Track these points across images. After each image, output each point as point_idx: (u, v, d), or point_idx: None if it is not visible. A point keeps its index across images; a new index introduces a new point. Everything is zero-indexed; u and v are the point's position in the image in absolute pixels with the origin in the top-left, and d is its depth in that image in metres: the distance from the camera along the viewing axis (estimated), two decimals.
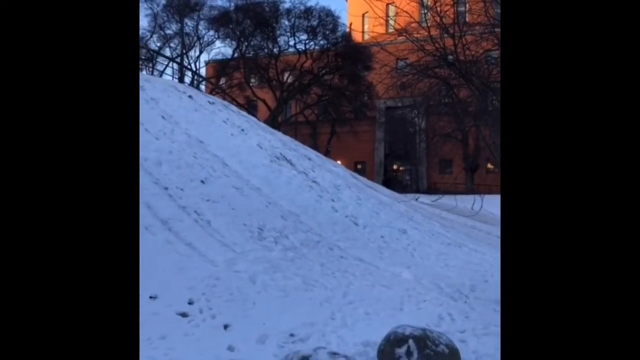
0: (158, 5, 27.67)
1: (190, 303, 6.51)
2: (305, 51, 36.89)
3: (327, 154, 30.03)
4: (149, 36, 28.25)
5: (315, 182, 13.72)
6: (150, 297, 6.44)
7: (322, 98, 38.70)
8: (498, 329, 5.48)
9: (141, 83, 15.67)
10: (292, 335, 6.02)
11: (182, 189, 10.23)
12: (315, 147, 27.55)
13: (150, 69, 26.80)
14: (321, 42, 37.20)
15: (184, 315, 6.24)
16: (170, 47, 28.99)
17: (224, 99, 27.39)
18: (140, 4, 27.17)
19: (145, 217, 9.04)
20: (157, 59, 27.51)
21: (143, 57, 26.59)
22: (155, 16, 27.55)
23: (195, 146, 12.34)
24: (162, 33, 28.32)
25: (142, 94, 14.85)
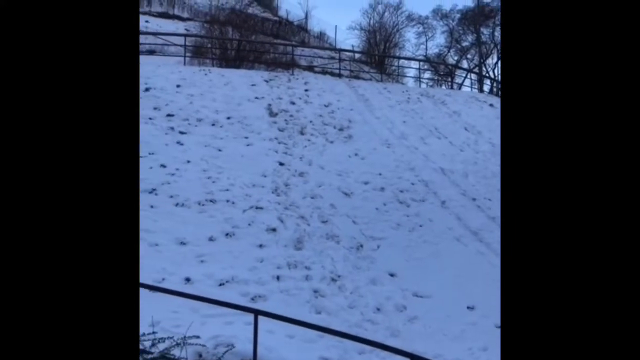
0: (453, 20, 28.47)
1: None
2: None
3: None
4: (447, 52, 29.23)
5: None
6: (468, 308, 6.52)
7: None
8: None
9: (442, 98, 16.24)
10: None
11: (489, 199, 10.10)
12: None
13: (450, 83, 27.59)
14: None
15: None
16: (467, 58, 29.37)
17: None
18: (437, 21, 28.28)
19: (456, 229, 9.28)
20: (456, 73, 28.11)
21: (442, 72, 27.65)
22: (451, 32, 28.37)
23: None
24: (459, 46, 28.92)
25: (443, 108, 15.40)
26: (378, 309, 6.94)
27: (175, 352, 4.08)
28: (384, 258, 7.97)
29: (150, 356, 3.99)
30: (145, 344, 4.13)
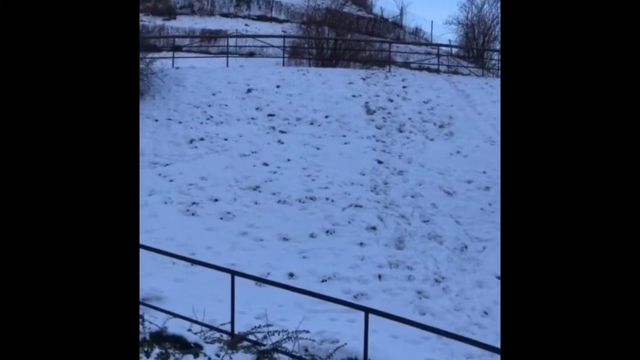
0: None
1: None
2: None
3: None
4: None
5: None
6: None
7: None
8: None
9: None
10: None
11: None
12: None
13: None
14: None
15: None
16: None
17: None
18: None
19: None
20: None
21: None
22: None
23: None
24: None
25: None
26: (486, 313, 6.64)
27: (287, 345, 4.14)
28: (490, 260, 7.60)
29: (262, 348, 4.09)
30: (257, 335, 4.24)
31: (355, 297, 6.67)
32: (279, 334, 4.16)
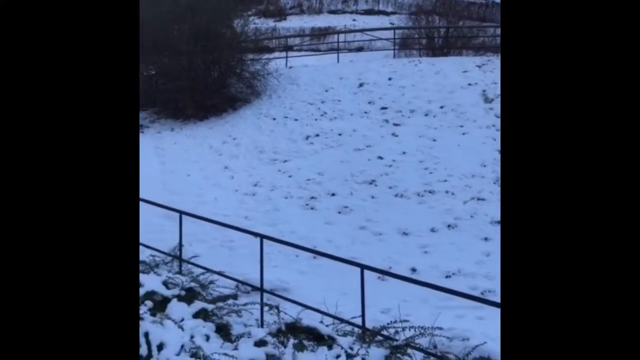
0: None
1: None
2: None
3: None
4: None
5: None
6: None
7: None
8: None
9: None
10: None
11: None
12: None
13: None
14: None
15: None
16: None
17: None
18: None
19: None
20: None
21: None
22: None
23: None
24: None
25: None
26: None
27: (421, 341, 4.06)
28: None
29: (395, 343, 4.04)
30: (389, 331, 4.20)
31: (482, 293, 6.38)
32: (411, 330, 4.09)
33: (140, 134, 12.61)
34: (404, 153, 9.93)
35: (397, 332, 4.17)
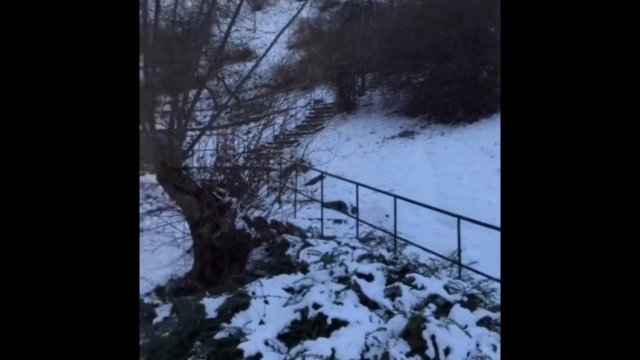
0: None
1: None
2: None
3: None
4: None
5: None
6: None
7: None
8: None
9: None
10: None
11: None
12: None
13: None
14: None
15: None
16: None
17: None
18: None
19: None
20: None
21: None
22: None
23: None
24: None
25: None
26: None
27: None
28: None
29: None
30: None
31: None
32: None
33: (412, 140, 13.16)
34: None
35: None
